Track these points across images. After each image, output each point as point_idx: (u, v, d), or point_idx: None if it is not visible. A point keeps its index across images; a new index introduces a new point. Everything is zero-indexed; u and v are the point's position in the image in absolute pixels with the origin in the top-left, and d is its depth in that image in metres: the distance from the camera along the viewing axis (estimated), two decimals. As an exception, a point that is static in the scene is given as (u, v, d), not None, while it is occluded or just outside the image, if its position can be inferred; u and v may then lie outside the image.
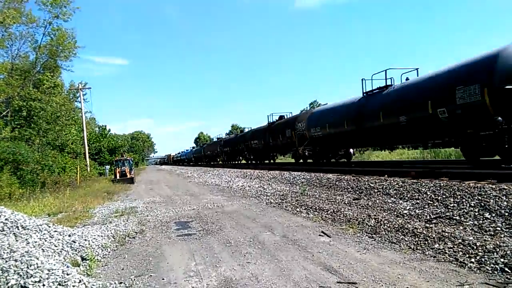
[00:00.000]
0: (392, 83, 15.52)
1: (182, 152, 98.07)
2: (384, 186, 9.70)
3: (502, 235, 5.32)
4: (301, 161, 25.43)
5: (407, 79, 15.08)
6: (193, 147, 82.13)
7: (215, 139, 54.48)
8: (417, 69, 15.12)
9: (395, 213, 7.52)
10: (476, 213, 6.37)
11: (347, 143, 19.95)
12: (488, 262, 4.44)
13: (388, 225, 6.64)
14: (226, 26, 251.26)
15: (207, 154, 59.63)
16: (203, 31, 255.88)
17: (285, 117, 28.27)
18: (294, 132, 24.40)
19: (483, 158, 11.80)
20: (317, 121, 21.03)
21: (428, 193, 8.12)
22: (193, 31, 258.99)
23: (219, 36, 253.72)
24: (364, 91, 17.25)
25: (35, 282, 4.00)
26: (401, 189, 9.05)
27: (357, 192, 10.25)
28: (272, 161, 33.15)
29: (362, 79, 17.12)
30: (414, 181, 9.46)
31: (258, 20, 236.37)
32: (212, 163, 55.51)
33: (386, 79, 15.60)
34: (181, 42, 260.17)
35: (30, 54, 31.79)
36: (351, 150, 22.52)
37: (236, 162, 42.60)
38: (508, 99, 9.56)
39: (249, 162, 37.00)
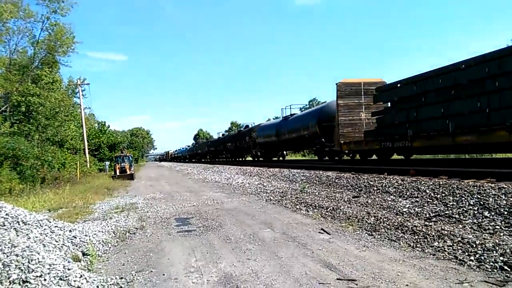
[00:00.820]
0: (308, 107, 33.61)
1: (179, 149, 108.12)
2: (384, 184, 9.74)
3: (501, 234, 5.35)
4: (256, 159, 35.85)
5: (302, 110, 29.34)
6: (192, 144, 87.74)
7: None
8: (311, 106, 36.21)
9: (395, 211, 7.55)
10: (476, 212, 6.41)
11: (276, 148, 31.59)
12: (488, 260, 4.47)
13: (387, 223, 6.67)
14: (224, 22, 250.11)
15: (198, 152, 70.78)
16: (201, 27, 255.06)
17: (249, 127, 39.66)
18: (250, 139, 35.70)
19: (324, 158, 22.91)
20: (261, 132, 32.73)
21: (427, 191, 8.15)
22: (191, 27, 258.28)
23: (218, 32, 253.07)
24: (283, 116, 29.05)
25: (36, 276, 4.01)
26: (401, 187, 9.08)
27: (357, 190, 10.28)
28: (243, 159, 44.18)
29: (281, 108, 30.38)
30: (414, 179, 9.49)
31: (258, 17, 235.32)
32: (203, 160, 65.37)
33: (291, 109, 28.63)
34: (180, 38, 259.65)
35: (28, 49, 31.78)
36: (285, 152, 34.55)
37: (219, 159, 51.73)
38: (325, 130, 20.13)
39: (227, 159, 47.45)
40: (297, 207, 9.38)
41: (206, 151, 60.27)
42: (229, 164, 36.29)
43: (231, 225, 7.73)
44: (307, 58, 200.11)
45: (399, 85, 13.68)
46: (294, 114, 27.18)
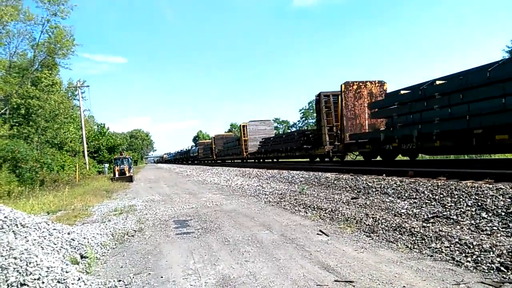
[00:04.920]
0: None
1: (170, 154, 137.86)
2: (382, 186, 9.75)
3: (499, 235, 5.36)
4: (190, 163, 79.01)
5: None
6: (178, 151, 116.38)
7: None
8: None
9: (393, 212, 7.56)
10: (473, 213, 6.42)
11: (195, 158, 77.20)
12: (484, 262, 4.47)
13: (385, 224, 6.68)
14: (223, 24, 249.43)
15: (177, 158, 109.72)
16: (200, 29, 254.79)
17: (190, 148, 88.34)
18: (189, 153, 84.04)
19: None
20: (192, 150, 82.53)
21: (426, 192, 8.16)
22: (190, 29, 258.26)
23: (216, 34, 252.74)
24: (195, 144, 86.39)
25: (34, 279, 4.02)
26: (399, 188, 9.09)
27: (355, 191, 10.29)
28: (191, 162, 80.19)
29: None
30: (412, 180, 9.51)
31: (256, 19, 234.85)
32: (184, 162, 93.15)
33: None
34: (179, 41, 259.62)
35: (28, 52, 31.79)
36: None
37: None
38: (201, 153, 71.08)
39: (186, 162, 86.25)
40: (296, 208, 9.39)
41: (179, 157, 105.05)
42: (228, 166, 36.33)
43: (230, 227, 7.74)
44: (306, 59, 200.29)
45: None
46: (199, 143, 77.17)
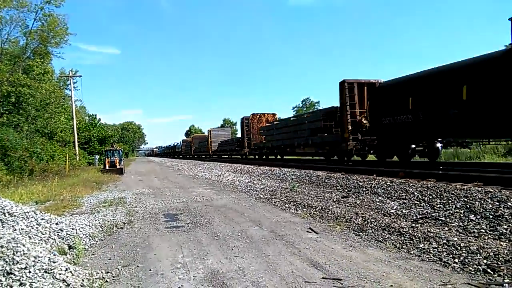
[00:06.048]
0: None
1: (160, 148, 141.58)
2: (373, 185, 9.80)
3: (486, 237, 5.42)
4: (177, 157, 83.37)
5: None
6: (167, 145, 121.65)
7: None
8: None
9: (382, 212, 7.61)
10: (462, 215, 6.48)
11: (181, 154, 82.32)
12: (471, 263, 4.52)
13: (375, 224, 6.72)
14: (219, 20, 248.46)
15: (165, 152, 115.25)
16: (195, 23, 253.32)
17: (176, 144, 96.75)
18: (176, 148, 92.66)
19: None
20: (178, 146, 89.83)
21: (415, 193, 8.23)
22: (185, 23, 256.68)
23: (212, 29, 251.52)
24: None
25: (21, 269, 3.97)
26: (389, 188, 9.15)
27: (346, 190, 10.34)
28: (178, 156, 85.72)
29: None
30: (402, 181, 9.58)
31: (252, 15, 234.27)
32: (171, 156, 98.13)
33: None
34: (174, 34, 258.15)
35: (20, 39, 31.39)
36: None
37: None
38: (184, 148, 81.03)
39: (174, 156, 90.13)
40: (286, 205, 9.41)
41: (167, 151, 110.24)
42: (220, 161, 36.33)
43: (220, 222, 7.73)
44: (300, 57, 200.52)
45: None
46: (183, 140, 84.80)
